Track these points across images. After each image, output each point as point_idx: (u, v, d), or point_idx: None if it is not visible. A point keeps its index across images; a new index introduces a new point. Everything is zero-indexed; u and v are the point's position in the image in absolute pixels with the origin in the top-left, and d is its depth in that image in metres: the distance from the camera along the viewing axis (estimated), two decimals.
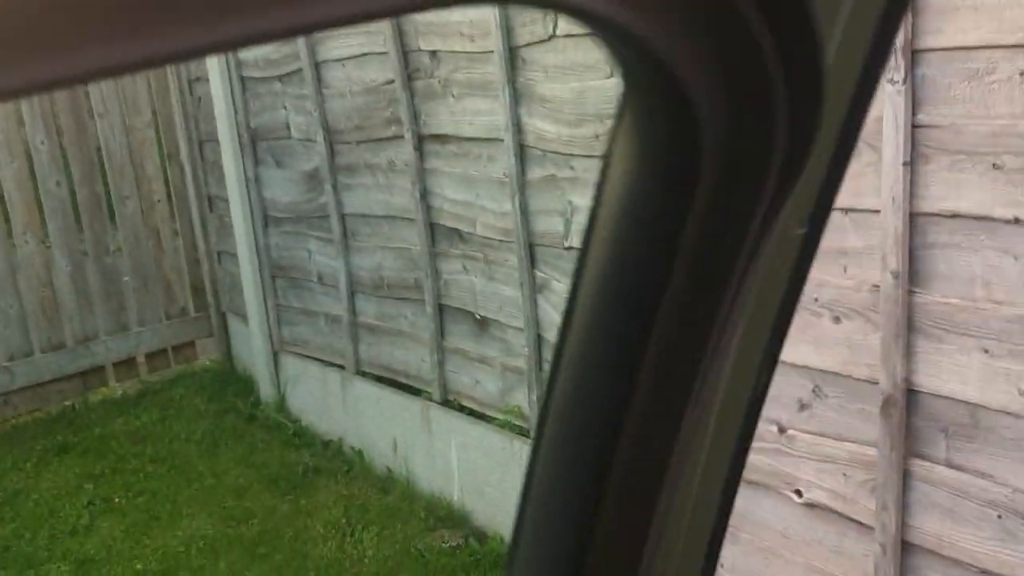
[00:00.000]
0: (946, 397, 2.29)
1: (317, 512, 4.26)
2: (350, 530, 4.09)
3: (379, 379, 4.63)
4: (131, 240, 6.06)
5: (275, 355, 5.43)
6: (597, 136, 3.17)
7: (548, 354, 3.65)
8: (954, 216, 2.20)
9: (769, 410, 2.75)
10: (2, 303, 5.60)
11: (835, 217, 2.50)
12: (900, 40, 2.18)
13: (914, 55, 2.19)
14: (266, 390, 5.50)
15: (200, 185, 6.08)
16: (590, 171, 3.24)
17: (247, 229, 5.27)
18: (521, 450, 3.76)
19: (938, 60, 2.16)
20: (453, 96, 3.83)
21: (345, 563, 3.83)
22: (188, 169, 6.16)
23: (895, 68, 2.20)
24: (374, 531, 4.06)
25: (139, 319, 6.13)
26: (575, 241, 3.38)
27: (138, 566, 3.91)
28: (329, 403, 5.01)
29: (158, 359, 6.23)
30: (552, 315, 3.57)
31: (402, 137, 4.10)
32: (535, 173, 3.52)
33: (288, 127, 4.87)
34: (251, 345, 5.56)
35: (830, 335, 2.52)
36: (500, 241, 3.75)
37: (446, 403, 4.22)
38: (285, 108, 4.83)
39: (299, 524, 4.17)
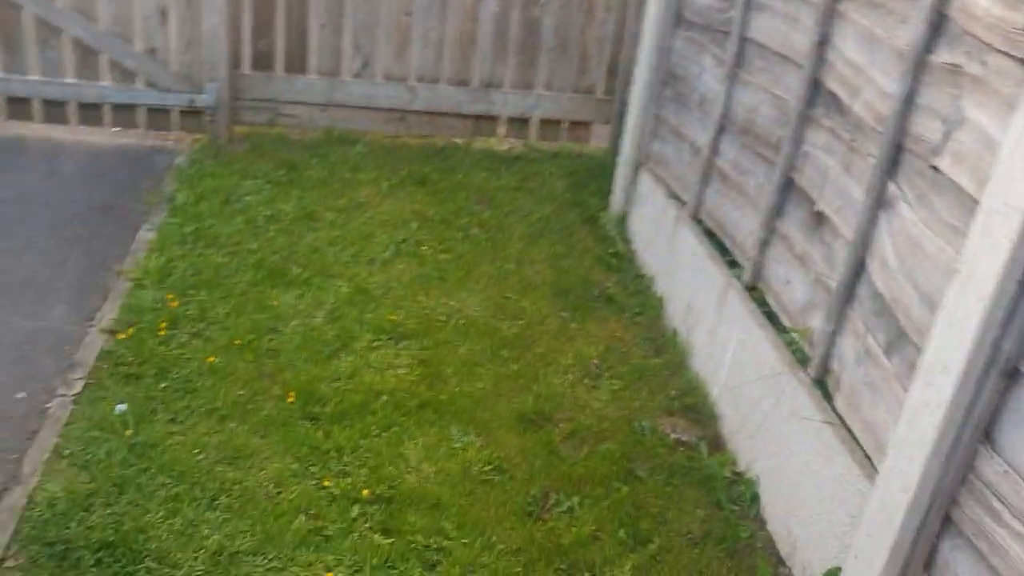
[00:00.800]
0: None
1: (578, 341, 3.94)
2: (595, 375, 3.73)
3: (709, 233, 4.06)
4: None
5: (637, 167, 5.01)
6: None
7: (864, 289, 2.84)
8: None
9: None
10: (427, 24, 5.71)
11: None
12: None
13: None
14: (617, 200, 5.14)
15: None
16: (1002, 76, 2.28)
17: (657, 22, 4.73)
18: (788, 386, 3.07)
19: None
20: None
21: (566, 406, 3.51)
22: None
23: None
24: (616, 385, 3.66)
25: (547, 82, 5.99)
26: (945, 163, 2.48)
27: (393, 316, 3.92)
28: (658, 238, 4.54)
29: (550, 128, 6.11)
30: (885, 243, 2.73)
31: None
32: (941, 55, 2.59)
33: None
34: (624, 149, 5.17)
35: None
36: (872, 128, 2.90)
37: (751, 289, 3.58)
38: None
39: (554, 347, 3.88)
